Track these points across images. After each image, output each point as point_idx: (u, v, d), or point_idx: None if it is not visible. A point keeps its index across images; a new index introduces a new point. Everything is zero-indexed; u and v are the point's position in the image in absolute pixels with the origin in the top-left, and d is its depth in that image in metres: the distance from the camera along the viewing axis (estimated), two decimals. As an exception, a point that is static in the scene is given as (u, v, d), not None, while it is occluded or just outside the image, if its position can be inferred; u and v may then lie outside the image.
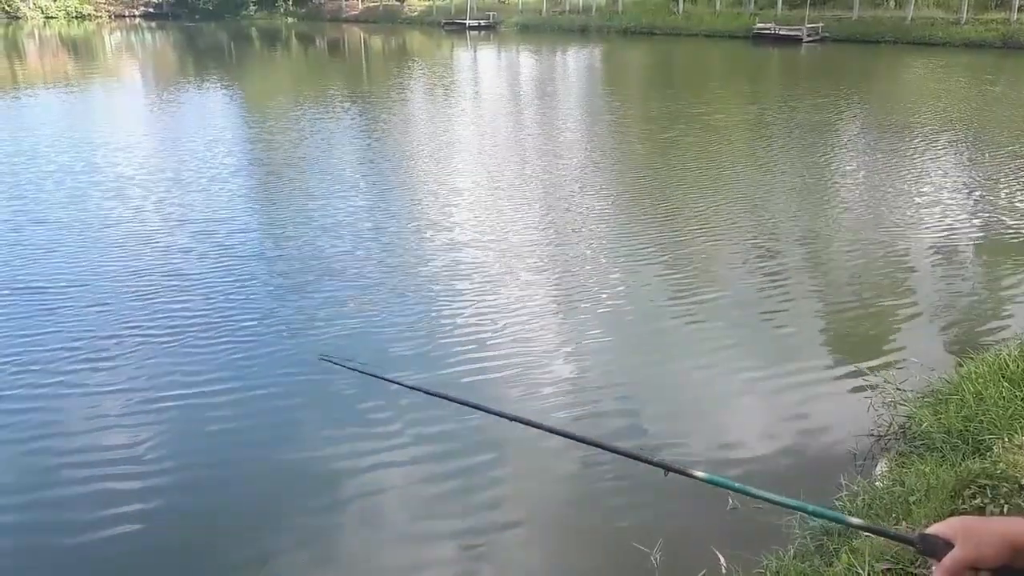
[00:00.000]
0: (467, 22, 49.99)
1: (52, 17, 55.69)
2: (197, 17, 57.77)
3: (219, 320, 6.38)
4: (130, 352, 5.79)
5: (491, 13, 51.36)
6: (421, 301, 6.86)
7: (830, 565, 3.06)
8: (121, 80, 25.86)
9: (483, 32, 48.57)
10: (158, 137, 14.85)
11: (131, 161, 12.40)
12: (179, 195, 10.31)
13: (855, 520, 0.99)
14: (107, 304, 6.69)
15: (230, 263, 7.72)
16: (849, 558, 2.91)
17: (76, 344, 5.90)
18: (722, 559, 3.51)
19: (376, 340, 6.11)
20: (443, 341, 6.06)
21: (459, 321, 6.42)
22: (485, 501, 4.25)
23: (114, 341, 5.95)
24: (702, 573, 3.49)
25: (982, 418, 3.88)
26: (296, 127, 15.68)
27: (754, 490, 1.10)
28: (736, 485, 1.14)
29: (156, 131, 15.69)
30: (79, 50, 38.44)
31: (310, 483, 4.42)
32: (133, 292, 6.94)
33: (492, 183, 11.16)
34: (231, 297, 6.87)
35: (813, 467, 4.43)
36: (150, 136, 15.00)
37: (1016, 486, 3.06)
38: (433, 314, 6.59)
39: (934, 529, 1.00)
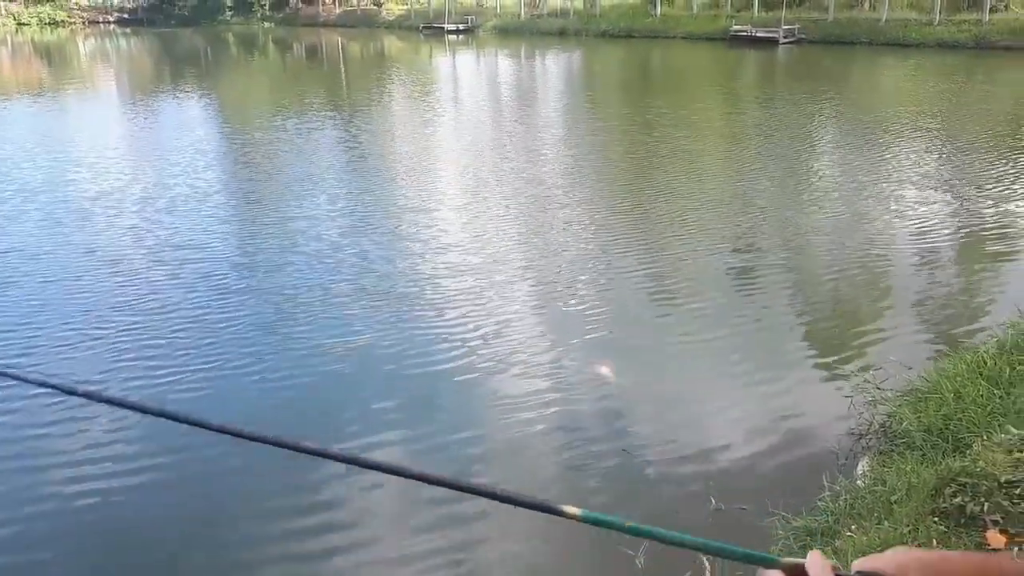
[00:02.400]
0: (445, 26, 49.95)
1: (25, 24, 54.95)
2: (173, 23, 57.19)
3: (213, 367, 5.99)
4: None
5: (469, 16, 51.36)
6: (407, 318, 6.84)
7: (813, 566, 3.06)
8: (96, 89, 25.48)
9: (461, 36, 48.55)
10: (133, 154, 14.08)
11: (105, 180, 11.57)
12: (155, 218, 9.60)
13: (785, 560, 0.89)
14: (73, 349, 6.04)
15: (213, 295, 7.11)
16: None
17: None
18: (706, 561, 3.50)
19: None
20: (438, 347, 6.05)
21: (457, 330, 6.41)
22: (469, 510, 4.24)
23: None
24: (687, 575, 3.48)
25: (961, 416, 3.91)
26: (275, 140, 15.27)
27: (662, 531, 0.91)
28: (627, 526, 0.91)
29: (131, 146, 15.01)
30: (53, 57, 37.97)
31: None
32: (104, 336, 6.24)
33: (474, 197, 10.98)
34: (216, 335, 6.30)
35: (795, 467, 4.45)
36: (125, 152, 14.23)
37: (995, 483, 3.08)
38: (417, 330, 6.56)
39: (871, 566, 0.88)
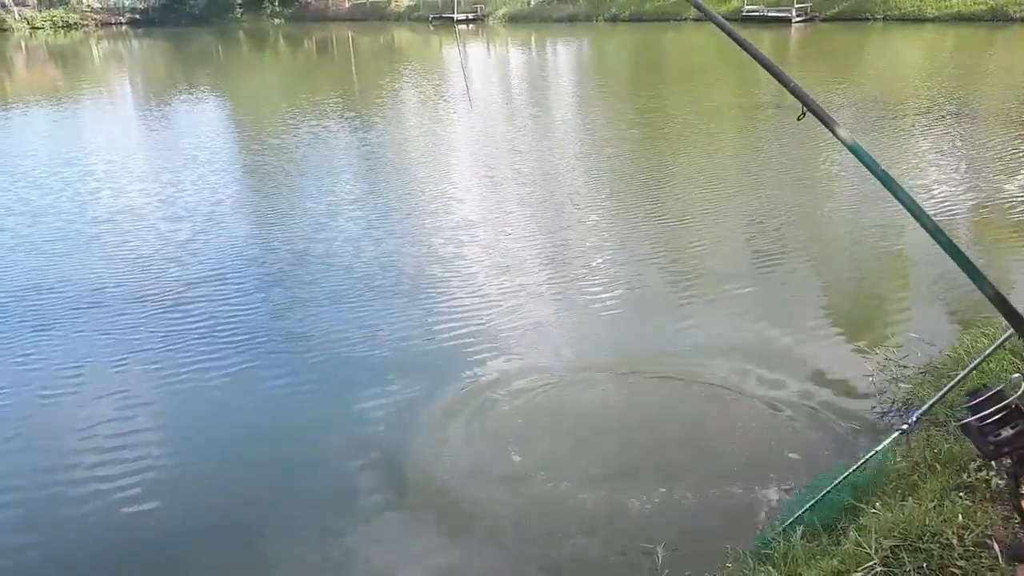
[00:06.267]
0: (455, 16, 49.83)
1: (38, 28, 55.34)
2: (184, 22, 57.39)
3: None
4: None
5: (478, 5, 51.19)
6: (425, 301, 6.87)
7: (838, 544, 3.06)
8: (112, 93, 25.42)
9: (471, 26, 48.43)
10: (153, 164, 13.42)
11: (126, 195, 10.95)
12: (180, 239, 8.83)
13: None
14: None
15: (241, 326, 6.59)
16: (857, 536, 2.92)
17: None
18: (729, 546, 3.50)
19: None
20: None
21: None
22: (502, 495, 4.26)
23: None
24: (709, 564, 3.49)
25: (985, 391, 3.88)
26: (293, 145, 14.59)
27: None
28: None
29: (150, 156, 14.36)
30: (67, 61, 38.25)
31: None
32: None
33: (492, 201, 10.69)
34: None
35: (818, 446, 4.43)
36: (144, 162, 13.58)
37: (1021, 458, 3.06)
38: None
39: None
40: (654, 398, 5.18)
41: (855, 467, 3.36)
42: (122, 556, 3.98)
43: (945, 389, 3.25)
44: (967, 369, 3.22)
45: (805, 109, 0.99)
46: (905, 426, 3.23)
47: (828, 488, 3.35)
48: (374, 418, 5.01)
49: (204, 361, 5.87)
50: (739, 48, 1.63)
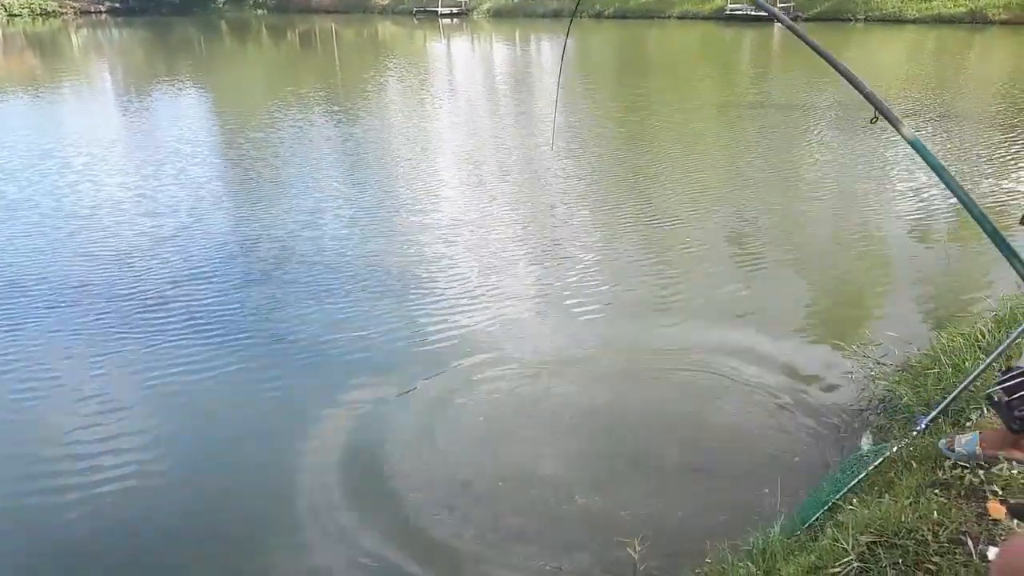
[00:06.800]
0: (439, 9, 49.62)
1: (16, 15, 54.44)
2: (164, 11, 56.62)
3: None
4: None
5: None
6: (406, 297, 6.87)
7: (815, 540, 3.11)
8: (91, 83, 24.99)
9: (455, 19, 48.25)
10: (132, 155, 13.13)
11: (103, 187, 10.73)
12: (161, 235, 8.65)
13: None
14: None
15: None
16: (834, 532, 2.96)
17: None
18: (708, 542, 3.54)
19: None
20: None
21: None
22: (476, 488, 4.28)
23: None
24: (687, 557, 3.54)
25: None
26: (275, 136, 14.65)
27: None
28: None
29: (130, 148, 13.96)
30: (45, 49, 37.67)
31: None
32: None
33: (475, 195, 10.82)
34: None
35: (797, 443, 4.49)
36: (123, 154, 13.27)
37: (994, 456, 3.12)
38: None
39: None
40: (635, 395, 5.21)
41: (868, 469, 3.45)
42: (99, 561, 3.96)
43: (960, 388, 3.44)
44: (983, 365, 3.38)
45: (877, 113, 1.07)
46: (920, 426, 3.46)
47: (843, 491, 3.41)
48: (358, 419, 5.00)
49: (186, 361, 5.80)
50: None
